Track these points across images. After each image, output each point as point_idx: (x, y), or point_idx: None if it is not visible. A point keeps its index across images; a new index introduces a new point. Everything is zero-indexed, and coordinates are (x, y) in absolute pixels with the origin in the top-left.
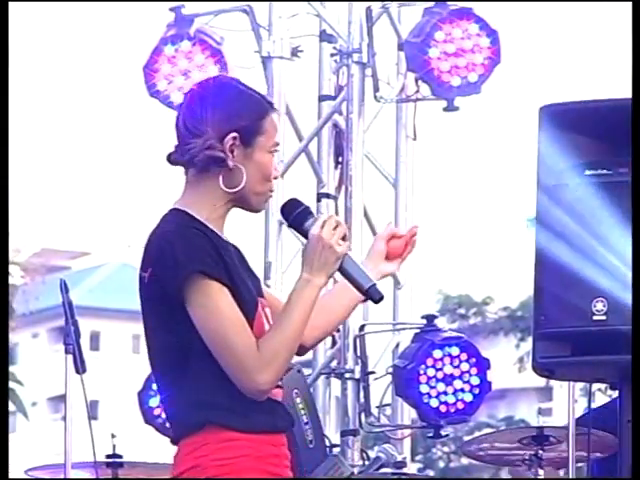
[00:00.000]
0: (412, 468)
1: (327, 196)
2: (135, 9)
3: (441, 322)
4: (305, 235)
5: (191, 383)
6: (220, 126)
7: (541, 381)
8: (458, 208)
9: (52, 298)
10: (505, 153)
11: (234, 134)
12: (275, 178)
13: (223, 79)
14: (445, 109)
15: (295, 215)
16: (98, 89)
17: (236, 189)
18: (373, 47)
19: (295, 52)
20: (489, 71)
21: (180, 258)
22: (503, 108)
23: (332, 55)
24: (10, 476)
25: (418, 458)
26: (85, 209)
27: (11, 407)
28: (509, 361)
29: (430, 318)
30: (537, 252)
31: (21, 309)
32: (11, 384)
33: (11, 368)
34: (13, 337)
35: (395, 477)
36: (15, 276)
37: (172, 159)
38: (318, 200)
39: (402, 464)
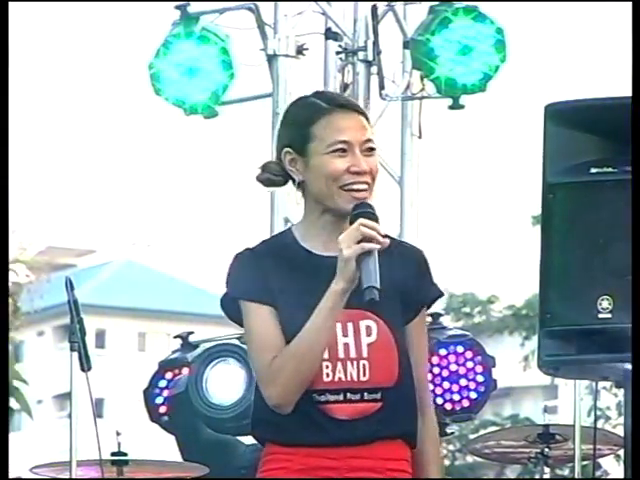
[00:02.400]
0: None
1: None
2: (141, 7)
3: (446, 320)
4: None
5: (254, 399)
6: (278, 145)
7: (546, 379)
8: (463, 206)
9: (57, 296)
10: (510, 151)
11: (287, 149)
12: (356, 173)
13: (296, 99)
14: (450, 107)
15: (352, 217)
16: (103, 88)
17: (313, 200)
18: (378, 45)
19: (300, 50)
20: (494, 69)
21: (230, 281)
22: (509, 106)
23: (337, 53)
24: (11, 475)
25: None
26: (90, 207)
27: (16, 405)
28: (514, 359)
29: (435, 316)
30: (542, 250)
31: (26, 307)
32: (16, 382)
33: (16, 366)
34: (18, 335)
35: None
36: (20, 274)
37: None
38: None
39: None
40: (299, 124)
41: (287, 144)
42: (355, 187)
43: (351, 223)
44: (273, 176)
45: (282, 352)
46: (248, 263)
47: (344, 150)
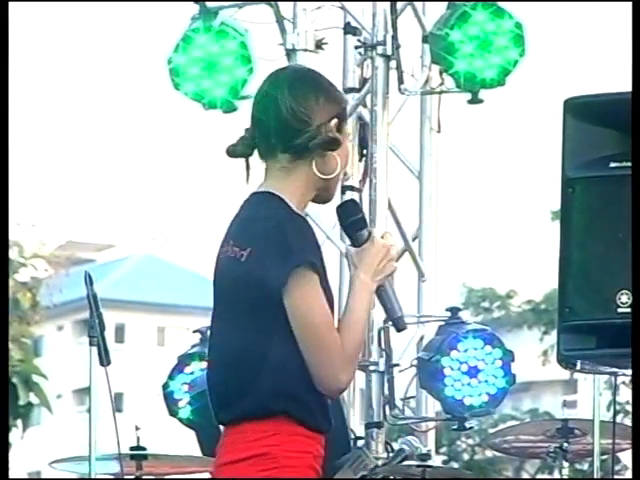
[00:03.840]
0: (436, 460)
1: (351, 188)
2: (160, 2)
3: (465, 315)
4: (355, 240)
5: (275, 370)
6: (326, 112)
7: (566, 374)
8: (482, 201)
9: (77, 290)
10: (529, 146)
11: (335, 120)
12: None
13: (305, 68)
14: (470, 101)
15: (353, 220)
16: (123, 83)
17: (331, 175)
18: (397, 39)
19: (319, 44)
20: (514, 63)
21: (292, 245)
22: (528, 101)
23: (356, 47)
24: (32, 469)
25: (442, 450)
26: (110, 202)
27: (36, 400)
28: (533, 354)
29: (454, 310)
30: (561, 245)
31: (45, 302)
32: (36, 377)
33: (36, 361)
34: (38, 330)
35: (419, 469)
36: (39, 269)
37: (267, 146)
38: (342, 192)
39: (426, 456)
40: (342, 101)
41: (336, 115)
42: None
43: (342, 220)
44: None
45: (348, 338)
46: (305, 226)
47: None
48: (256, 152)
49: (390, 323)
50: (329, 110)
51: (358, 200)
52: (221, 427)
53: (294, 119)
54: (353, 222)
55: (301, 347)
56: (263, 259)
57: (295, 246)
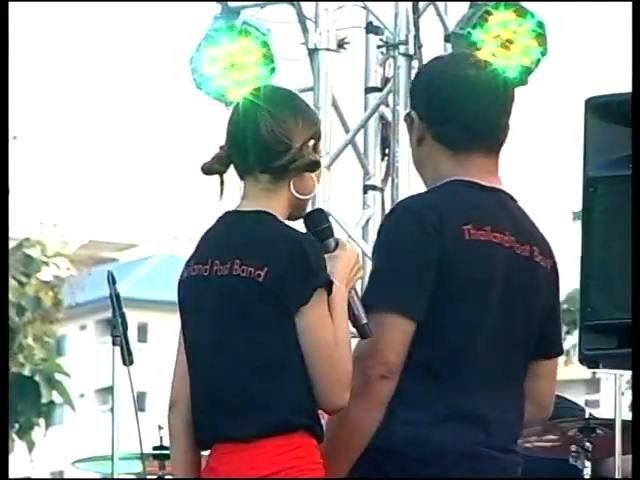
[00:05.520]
0: None
1: (373, 188)
2: (182, 1)
3: None
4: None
5: (294, 385)
6: (303, 133)
7: (588, 373)
8: None
9: (99, 290)
10: (551, 145)
11: (312, 141)
12: None
13: (282, 88)
14: None
15: (321, 229)
16: (145, 82)
17: (308, 196)
18: (419, 39)
19: (342, 44)
20: (536, 63)
21: (314, 266)
22: (550, 100)
23: (378, 47)
24: (55, 469)
25: None
26: (132, 201)
27: (59, 398)
28: None
29: None
30: (583, 244)
31: (68, 300)
32: (59, 376)
33: (59, 360)
34: (61, 329)
35: None
36: (62, 267)
37: (246, 165)
38: (365, 192)
39: None
40: (318, 121)
41: (312, 136)
42: None
43: (309, 229)
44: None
45: (346, 354)
46: (319, 247)
47: None
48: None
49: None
50: (307, 131)
51: (380, 199)
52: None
53: (274, 140)
54: (318, 232)
55: (311, 364)
56: (282, 279)
57: (316, 267)
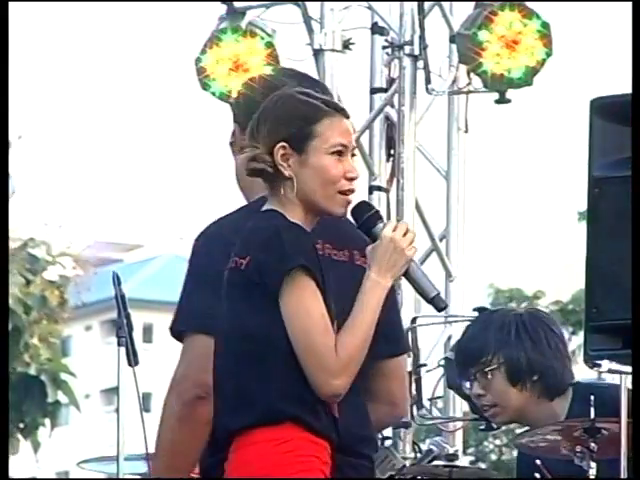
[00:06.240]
0: (464, 461)
1: (379, 189)
2: (188, 1)
3: None
4: (373, 238)
5: (280, 373)
6: (269, 138)
7: (593, 374)
8: (509, 201)
9: (105, 291)
10: (556, 146)
11: (282, 143)
12: (352, 179)
13: (283, 93)
14: (497, 101)
15: (366, 218)
16: (150, 82)
17: (298, 197)
18: (425, 39)
19: (347, 45)
20: (541, 63)
21: (287, 250)
22: (555, 100)
23: (384, 47)
24: (60, 469)
25: (470, 451)
26: (138, 202)
27: (64, 399)
28: None
29: (482, 310)
30: (588, 245)
31: (73, 300)
32: (64, 376)
33: (64, 360)
34: (66, 329)
35: (446, 469)
36: (67, 267)
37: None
38: (370, 193)
39: (454, 457)
40: (301, 120)
41: (283, 139)
42: (349, 193)
43: (357, 220)
44: (268, 168)
45: (346, 342)
46: (301, 233)
47: (341, 153)
48: None
49: (415, 324)
50: (273, 136)
51: (385, 200)
52: None
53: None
54: (366, 220)
55: (295, 351)
56: (260, 266)
57: (290, 251)
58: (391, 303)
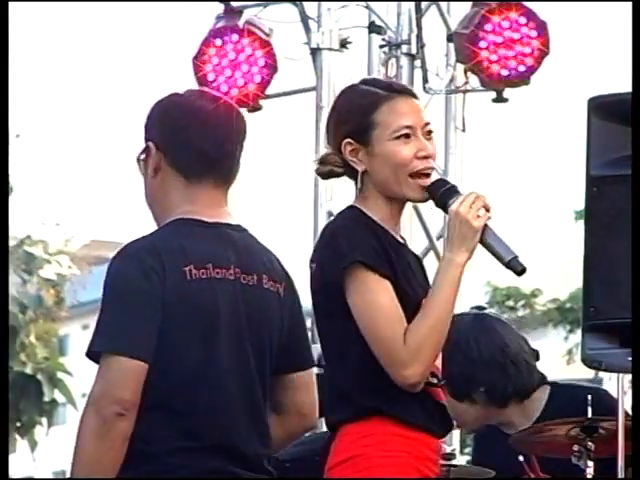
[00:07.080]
0: (461, 460)
1: None
2: (185, 1)
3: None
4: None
5: (361, 369)
6: (334, 136)
7: (590, 373)
8: (506, 200)
9: (101, 290)
10: (554, 145)
11: (347, 139)
12: (425, 157)
13: (345, 88)
14: (494, 100)
15: (440, 195)
16: (148, 82)
17: (377, 190)
18: (422, 38)
19: (344, 43)
20: (538, 62)
21: (342, 249)
22: (552, 99)
23: (381, 46)
24: (59, 468)
25: (467, 450)
26: (135, 201)
27: (61, 398)
28: (558, 353)
29: (479, 309)
30: (586, 244)
31: (69, 299)
32: (61, 375)
33: (61, 359)
34: (63, 328)
35: (444, 468)
36: (64, 265)
37: None
38: None
39: (451, 456)
40: (359, 113)
41: (347, 134)
42: (425, 172)
43: (434, 198)
44: (336, 168)
45: (415, 328)
46: (364, 229)
47: (408, 135)
48: None
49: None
50: (338, 134)
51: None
52: None
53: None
54: (441, 196)
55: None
56: (323, 268)
57: (345, 250)
58: (296, 317)
